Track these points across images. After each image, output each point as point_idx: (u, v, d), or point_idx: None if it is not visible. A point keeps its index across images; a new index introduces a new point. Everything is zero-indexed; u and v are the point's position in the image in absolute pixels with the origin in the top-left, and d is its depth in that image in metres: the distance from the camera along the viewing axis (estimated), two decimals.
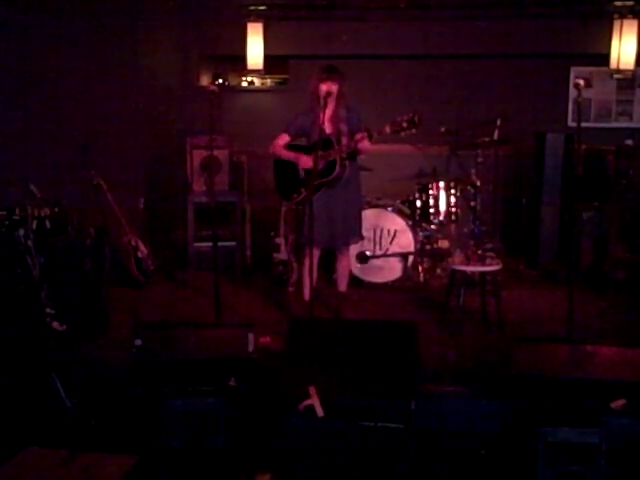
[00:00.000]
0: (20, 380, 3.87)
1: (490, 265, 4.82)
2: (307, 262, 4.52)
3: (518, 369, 3.63)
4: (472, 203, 5.36)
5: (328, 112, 4.72)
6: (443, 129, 6.06)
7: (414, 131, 4.54)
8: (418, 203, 6.07)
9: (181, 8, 7.25)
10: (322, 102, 4.55)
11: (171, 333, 3.97)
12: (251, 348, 3.84)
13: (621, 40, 6.66)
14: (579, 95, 4.17)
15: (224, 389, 3.68)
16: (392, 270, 5.88)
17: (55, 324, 4.18)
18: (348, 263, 5.22)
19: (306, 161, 4.73)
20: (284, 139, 4.91)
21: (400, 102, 6.44)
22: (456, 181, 6.01)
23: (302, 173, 4.82)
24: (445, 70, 7.27)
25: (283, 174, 4.93)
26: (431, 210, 6.03)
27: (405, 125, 4.52)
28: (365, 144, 4.64)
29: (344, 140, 4.69)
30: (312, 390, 3.43)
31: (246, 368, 3.80)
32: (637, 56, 6.67)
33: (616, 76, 6.99)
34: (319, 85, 4.68)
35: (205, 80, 7.87)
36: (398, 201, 6.13)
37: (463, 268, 4.84)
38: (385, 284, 5.89)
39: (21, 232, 4.23)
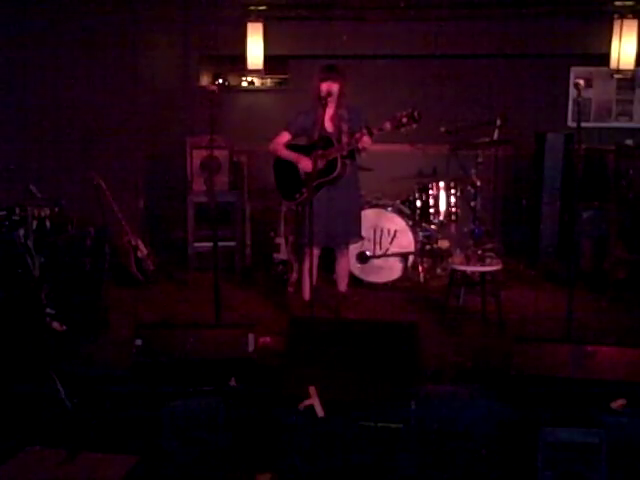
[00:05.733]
0: (20, 380, 3.86)
1: (490, 265, 4.82)
2: (307, 262, 4.52)
3: (518, 369, 3.62)
4: (472, 203, 5.35)
5: (329, 111, 4.73)
6: (443, 129, 6.06)
7: (414, 126, 4.54)
8: (418, 203, 6.07)
9: (181, 8, 7.25)
10: (323, 101, 4.56)
11: (171, 333, 3.96)
12: (251, 348, 3.84)
13: (621, 40, 6.67)
14: (579, 95, 4.18)
15: (224, 389, 3.68)
16: (392, 270, 5.88)
17: (55, 324, 4.18)
18: (347, 263, 5.23)
19: (307, 164, 4.72)
20: (285, 137, 4.90)
21: (400, 102, 6.38)
22: (456, 181, 6.01)
23: (303, 173, 4.81)
24: (445, 70, 7.26)
25: (284, 174, 4.93)
26: (431, 210, 6.03)
27: (405, 121, 4.52)
28: (366, 141, 4.63)
29: (344, 139, 4.69)
30: (312, 390, 3.43)
31: (246, 368, 3.80)
32: (637, 56, 6.68)
33: (616, 76, 7.00)
34: (319, 85, 4.69)
35: (205, 80, 7.86)
36: (398, 201, 6.13)
37: (463, 268, 4.85)
38: (385, 284, 5.89)
39: (21, 232, 4.23)
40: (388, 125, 4.56)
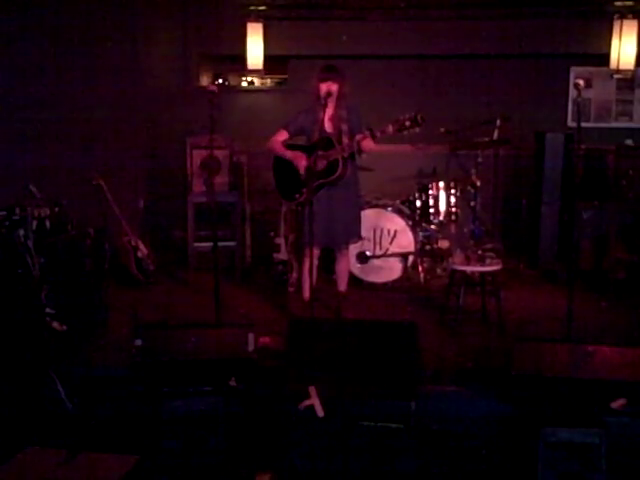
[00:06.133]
0: (20, 380, 3.86)
1: (490, 265, 4.82)
2: (307, 262, 4.52)
3: (518, 369, 3.63)
4: (472, 203, 5.35)
5: (329, 112, 4.72)
6: (443, 129, 6.06)
7: (417, 130, 4.53)
8: (418, 203, 6.07)
9: (181, 8, 7.26)
10: (322, 102, 4.55)
11: (171, 333, 3.96)
12: (251, 348, 3.84)
13: (621, 40, 6.67)
14: (579, 95, 4.18)
15: (224, 389, 3.68)
16: (392, 270, 5.88)
17: (55, 324, 4.18)
18: (347, 263, 5.22)
19: (303, 164, 4.73)
20: (283, 136, 4.90)
21: (400, 102, 6.43)
22: (456, 181, 6.01)
23: (303, 173, 4.81)
24: (445, 70, 7.27)
25: (284, 174, 4.92)
26: (431, 210, 6.03)
27: (408, 124, 4.51)
28: (368, 143, 4.63)
29: (345, 140, 4.69)
30: (312, 390, 3.43)
31: (246, 368, 3.80)
32: (637, 56, 6.69)
33: (616, 76, 7.01)
34: (319, 85, 4.68)
35: (205, 80, 7.88)
36: (398, 201, 6.13)
37: (463, 268, 4.84)
38: (385, 284, 5.89)
39: (21, 232, 4.22)
40: (390, 128, 4.54)
